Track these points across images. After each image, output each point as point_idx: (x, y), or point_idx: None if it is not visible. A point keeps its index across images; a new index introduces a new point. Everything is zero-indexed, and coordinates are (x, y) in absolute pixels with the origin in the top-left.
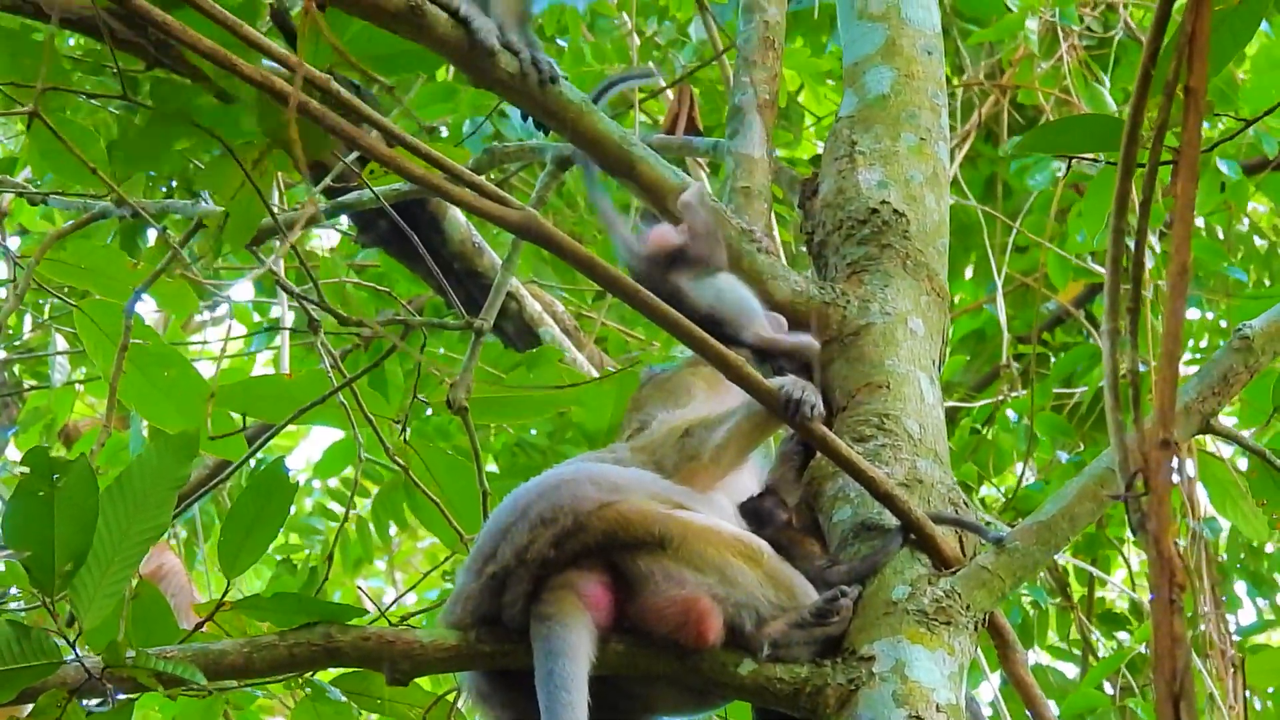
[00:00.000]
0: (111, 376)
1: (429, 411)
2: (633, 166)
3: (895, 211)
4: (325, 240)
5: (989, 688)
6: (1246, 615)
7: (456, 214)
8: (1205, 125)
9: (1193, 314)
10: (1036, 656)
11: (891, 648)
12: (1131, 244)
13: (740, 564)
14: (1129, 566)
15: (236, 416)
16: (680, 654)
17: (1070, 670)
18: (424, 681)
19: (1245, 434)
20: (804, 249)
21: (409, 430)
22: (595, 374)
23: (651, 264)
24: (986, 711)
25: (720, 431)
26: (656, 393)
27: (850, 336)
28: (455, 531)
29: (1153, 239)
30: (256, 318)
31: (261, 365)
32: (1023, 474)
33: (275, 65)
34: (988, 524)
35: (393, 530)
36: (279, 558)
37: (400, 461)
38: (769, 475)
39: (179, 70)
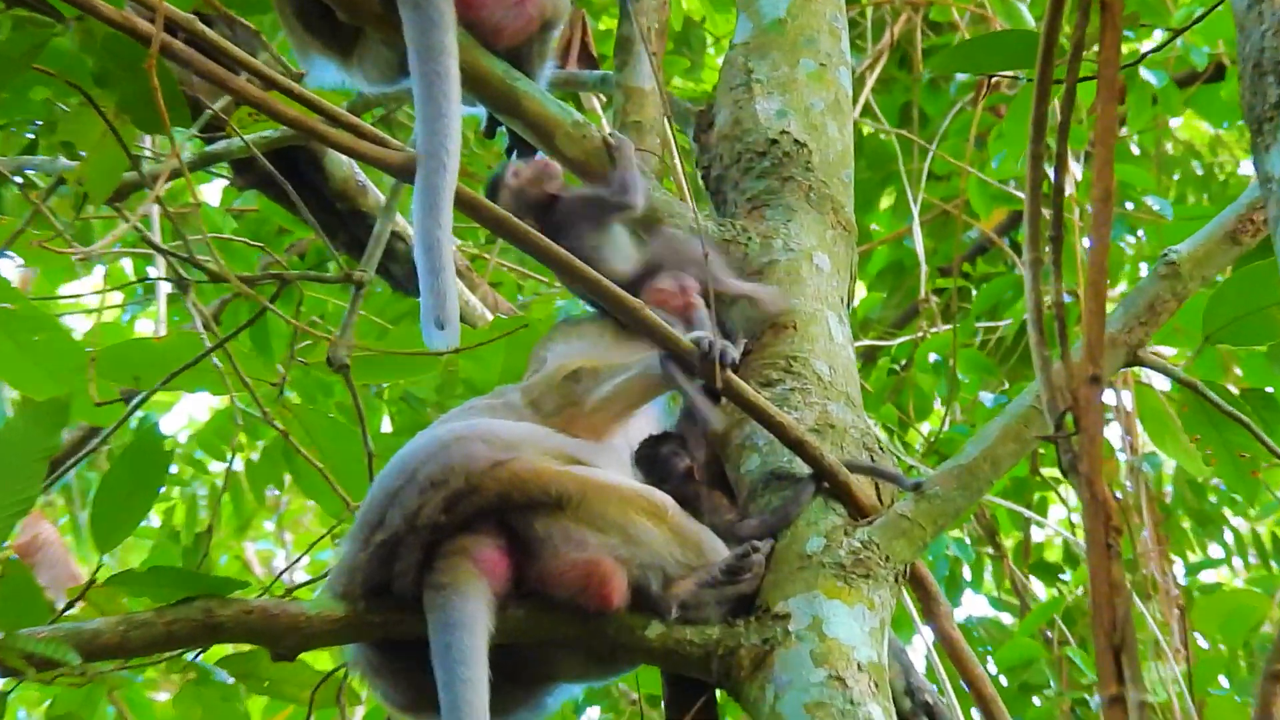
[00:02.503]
0: None
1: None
2: (518, 103)
3: (796, 142)
4: (213, 188)
5: (921, 641)
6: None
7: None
8: (1130, 37)
9: (1131, 242)
10: (975, 604)
11: (807, 604)
12: (1051, 169)
13: (644, 521)
14: (1067, 506)
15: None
16: (584, 618)
17: (1010, 620)
18: (319, 659)
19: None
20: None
21: (292, 390)
22: (489, 317)
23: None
24: (920, 665)
25: (611, 384)
26: (565, 334)
27: (753, 275)
28: (341, 499)
29: (1076, 164)
30: (132, 274)
31: (144, 326)
32: (946, 416)
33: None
34: (910, 469)
35: (274, 491)
36: (157, 522)
37: (279, 426)
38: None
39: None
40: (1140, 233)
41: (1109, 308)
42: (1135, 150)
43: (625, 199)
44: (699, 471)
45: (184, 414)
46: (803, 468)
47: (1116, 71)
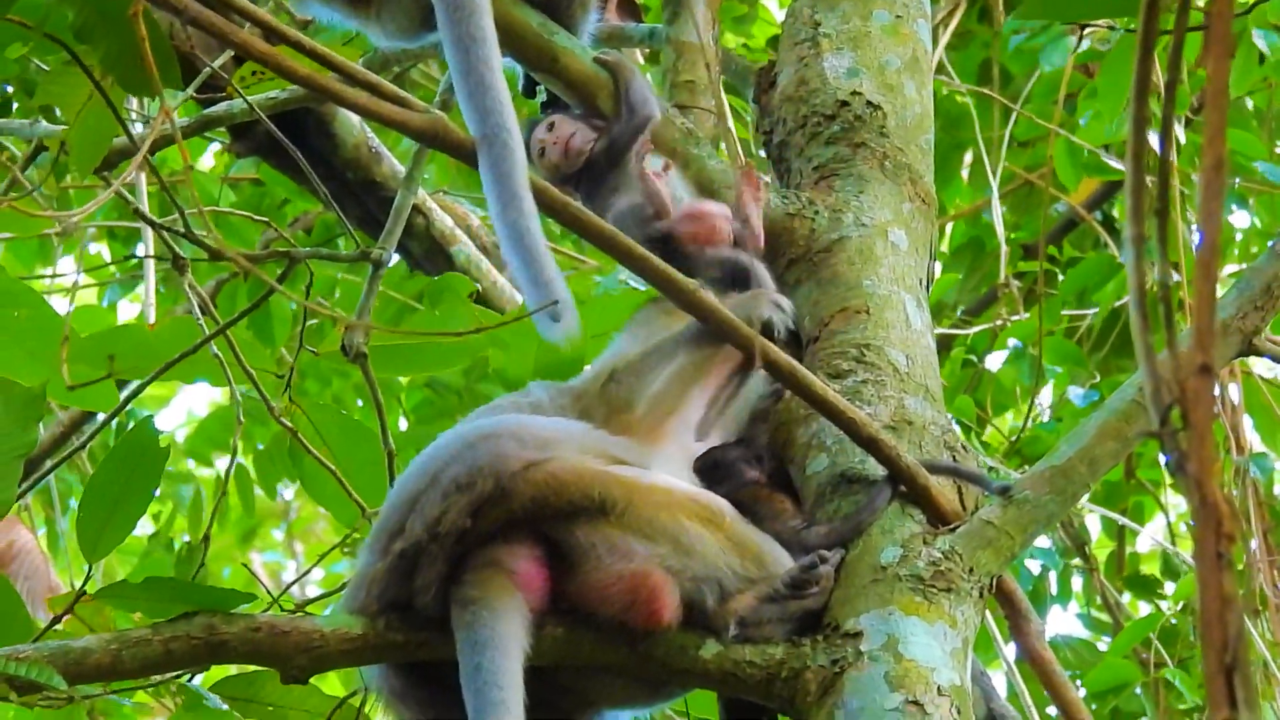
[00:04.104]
0: None
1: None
2: (555, 59)
3: (869, 104)
4: (207, 155)
5: (1003, 662)
6: None
7: (349, 114)
8: None
9: (1239, 220)
10: (1065, 623)
11: (882, 621)
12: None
13: (698, 529)
14: (1166, 512)
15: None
16: (630, 638)
17: (1104, 645)
18: (328, 683)
19: None
20: (762, 152)
21: (301, 378)
22: (520, 300)
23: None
24: (1001, 689)
25: (657, 377)
26: (634, 323)
27: (820, 254)
28: (357, 504)
29: (1178, 128)
30: (108, 256)
31: (127, 312)
32: (1029, 411)
33: None
34: (990, 470)
35: (289, 494)
36: (151, 531)
37: (286, 423)
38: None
39: None
40: (1251, 204)
41: (1219, 290)
42: (1248, 104)
43: (640, 120)
44: (762, 474)
45: (182, 409)
46: (876, 469)
47: (1230, 20)
